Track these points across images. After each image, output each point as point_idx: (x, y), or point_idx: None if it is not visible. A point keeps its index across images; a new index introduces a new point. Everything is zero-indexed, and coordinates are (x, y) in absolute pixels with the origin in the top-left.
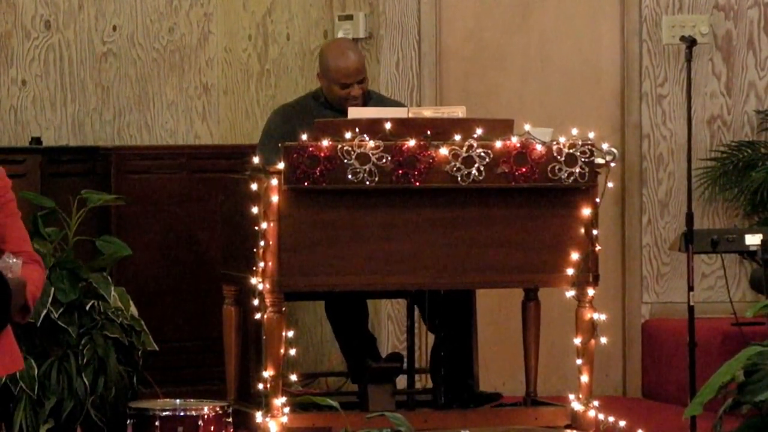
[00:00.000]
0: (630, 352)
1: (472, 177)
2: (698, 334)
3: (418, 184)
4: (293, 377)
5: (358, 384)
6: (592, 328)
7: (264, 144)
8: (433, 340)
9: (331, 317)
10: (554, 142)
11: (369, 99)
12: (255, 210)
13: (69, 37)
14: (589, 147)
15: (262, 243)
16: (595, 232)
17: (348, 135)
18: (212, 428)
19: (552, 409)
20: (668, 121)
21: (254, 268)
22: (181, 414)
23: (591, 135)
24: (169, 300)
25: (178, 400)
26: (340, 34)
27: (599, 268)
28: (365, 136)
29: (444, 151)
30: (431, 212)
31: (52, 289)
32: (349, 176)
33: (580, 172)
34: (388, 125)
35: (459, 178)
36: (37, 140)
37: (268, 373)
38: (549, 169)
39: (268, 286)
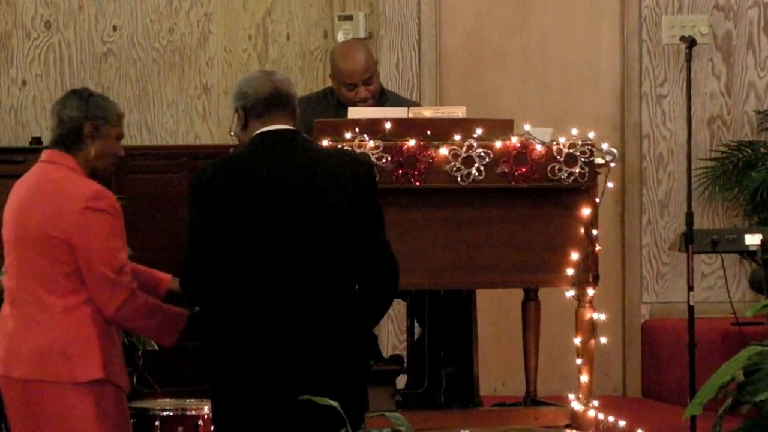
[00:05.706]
0: (630, 352)
1: (472, 177)
2: (698, 334)
3: (418, 184)
4: None
5: None
6: (592, 328)
7: None
8: (418, 336)
9: None
10: (554, 142)
11: (386, 99)
12: None
13: (69, 37)
14: (589, 147)
15: None
16: (595, 232)
17: (348, 135)
18: (212, 428)
19: (552, 409)
20: (668, 121)
21: None
22: (181, 414)
23: (591, 135)
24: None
25: (178, 400)
26: (340, 34)
27: (599, 268)
28: (365, 136)
29: (444, 151)
30: (431, 212)
31: None
32: None
33: (580, 172)
34: (387, 125)
35: (459, 178)
36: (37, 140)
37: None
38: (549, 169)
39: None
